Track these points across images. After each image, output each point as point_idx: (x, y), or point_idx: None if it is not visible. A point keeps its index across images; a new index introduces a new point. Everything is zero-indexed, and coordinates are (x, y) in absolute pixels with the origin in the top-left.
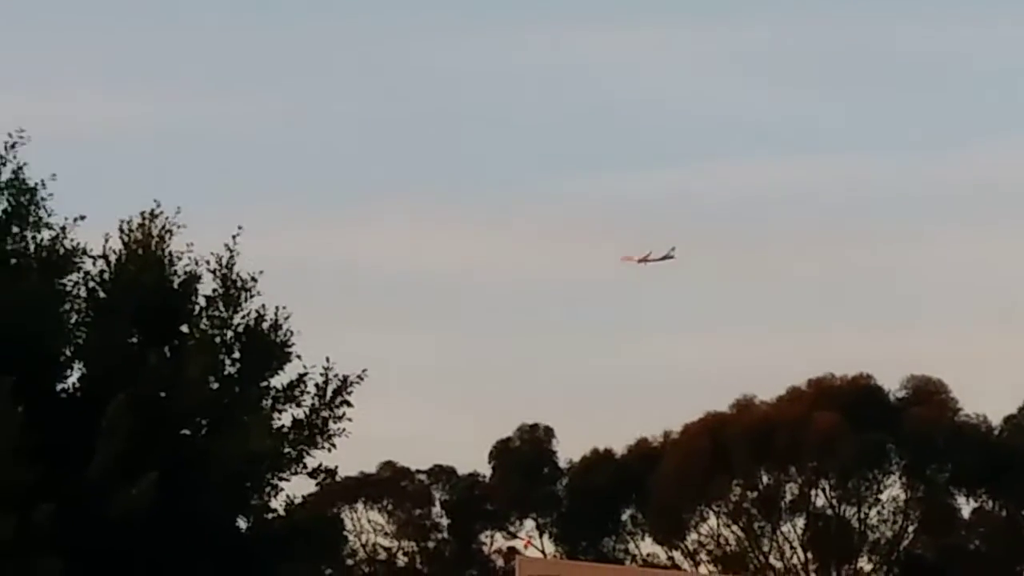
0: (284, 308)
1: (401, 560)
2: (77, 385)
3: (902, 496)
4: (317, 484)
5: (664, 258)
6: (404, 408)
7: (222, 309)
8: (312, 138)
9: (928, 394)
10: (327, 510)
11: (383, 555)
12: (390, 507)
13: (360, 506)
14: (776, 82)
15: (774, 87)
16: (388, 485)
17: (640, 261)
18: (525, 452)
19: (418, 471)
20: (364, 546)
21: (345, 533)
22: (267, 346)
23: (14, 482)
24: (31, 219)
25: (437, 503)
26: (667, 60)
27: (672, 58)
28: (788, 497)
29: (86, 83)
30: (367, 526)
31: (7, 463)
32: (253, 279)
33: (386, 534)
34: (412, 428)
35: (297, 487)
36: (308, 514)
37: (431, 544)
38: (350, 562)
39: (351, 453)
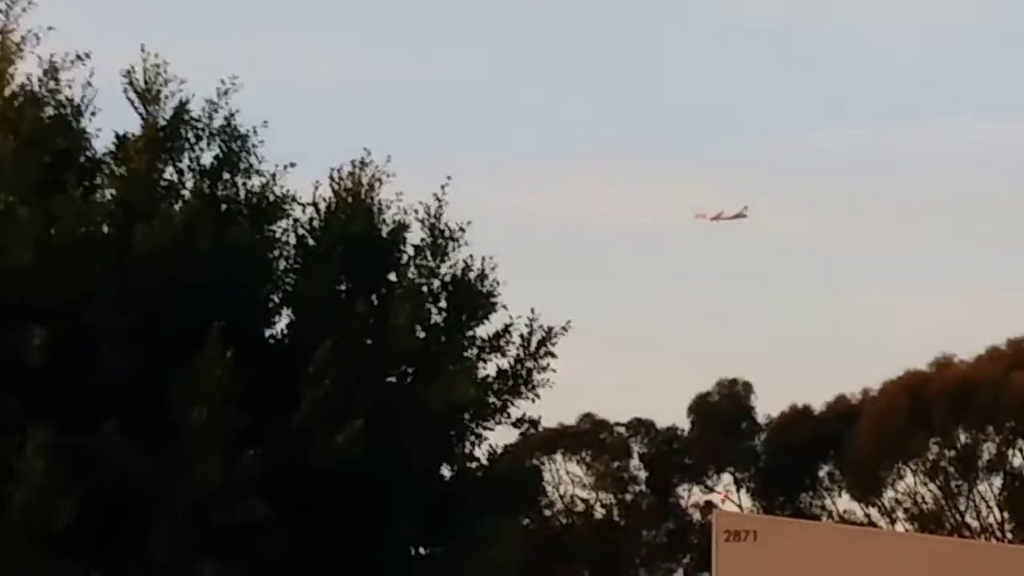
0: (491, 258)
1: (598, 512)
2: (285, 332)
3: None
4: (521, 435)
5: (736, 216)
6: (604, 360)
7: (429, 258)
8: (520, 90)
9: None
10: (527, 461)
11: (580, 507)
12: (588, 459)
13: (559, 457)
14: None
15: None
16: (587, 437)
17: (713, 219)
18: (724, 407)
19: (617, 424)
20: (562, 497)
21: (543, 484)
22: (473, 296)
23: (222, 427)
24: (242, 166)
25: (635, 456)
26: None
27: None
28: (985, 456)
29: (298, 30)
30: (565, 478)
31: (216, 408)
32: (461, 229)
33: (584, 486)
34: (612, 381)
35: (498, 437)
36: (509, 465)
37: (628, 497)
38: (547, 513)
39: (551, 405)
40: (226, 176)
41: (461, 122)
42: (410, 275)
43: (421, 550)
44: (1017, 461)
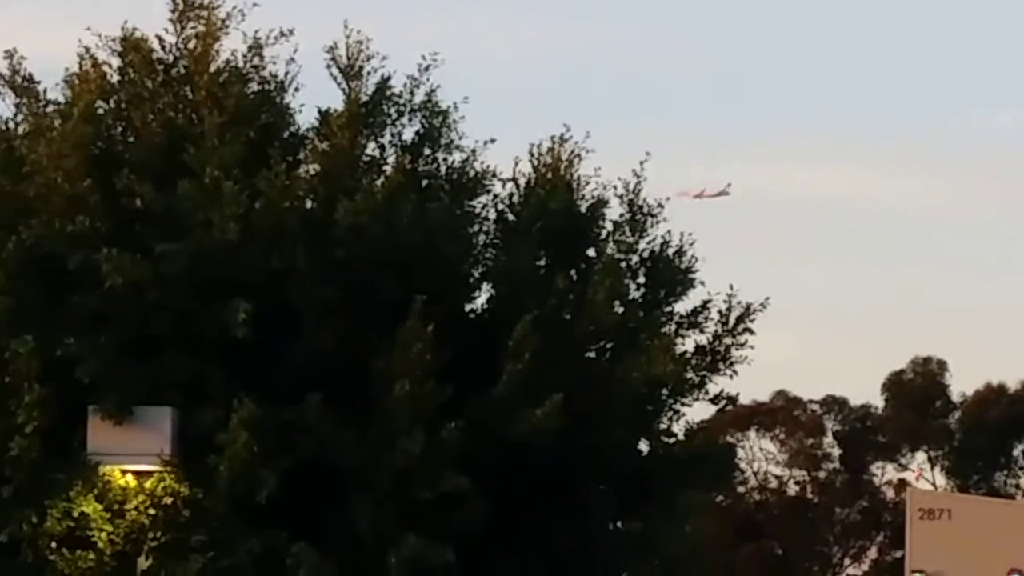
0: (689, 234)
1: (792, 489)
2: (485, 306)
3: None
4: (718, 411)
5: (719, 194)
6: (798, 337)
7: (628, 234)
8: (719, 66)
9: None
10: (721, 437)
11: (774, 483)
12: (782, 436)
13: (752, 434)
14: None
15: None
16: (781, 414)
17: (695, 197)
18: (918, 384)
19: (811, 401)
20: (755, 474)
21: (737, 461)
22: (671, 272)
23: (423, 400)
24: (443, 141)
25: (829, 433)
26: None
27: None
28: None
29: (499, 5)
30: (759, 454)
31: (417, 382)
32: (660, 205)
33: (777, 463)
34: (805, 358)
35: (693, 413)
36: (705, 441)
37: (822, 474)
38: (741, 490)
39: (745, 381)
40: (427, 152)
41: (660, 98)
42: (609, 251)
43: (618, 524)
44: None
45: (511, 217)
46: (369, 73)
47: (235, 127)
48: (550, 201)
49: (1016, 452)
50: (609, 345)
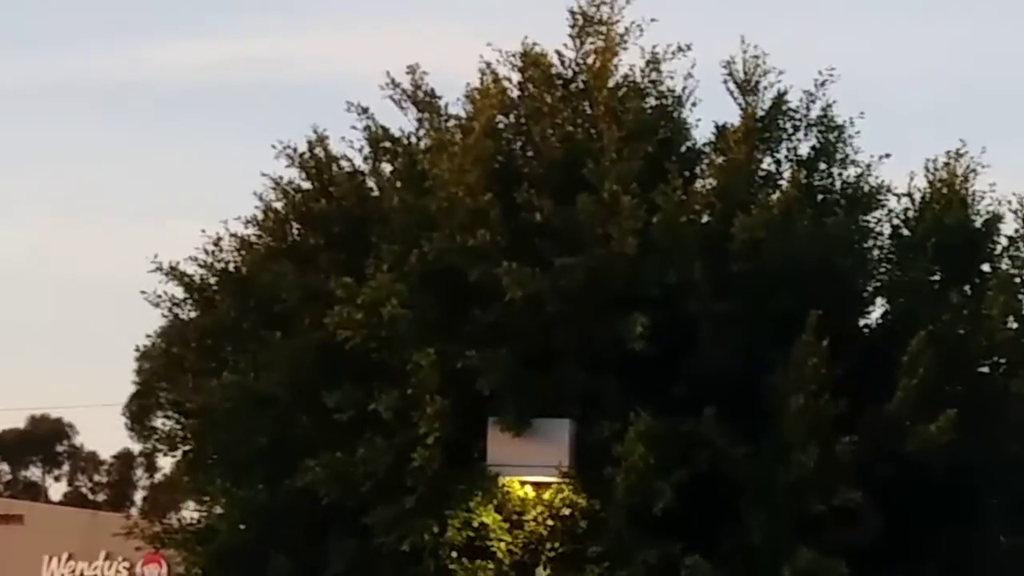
0: None
1: None
2: (879, 321)
3: None
4: None
5: None
6: None
7: (1023, 250)
8: None
9: None
10: None
11: None
12: None
13: None
14: None
15: None
16: None
17: None
18: None
19: None
20: None
21: None
22: None
23: (818, 414)
24: (838, 156)
25: None
26: None
27: None
28: None
29: (898, 18)
30: None
31: (812, 395)
32: None
33: None
34: None
35: None
36: None
37: None
38: None
39: None
40: (822, 166)
41: None
42: (1003, 266)
43: (1011, 540)
44: None
45: (905, 232)
46: (765, 88)
47: (633, 142)
48: (945, 216)
49: None
50: (1003, 361)
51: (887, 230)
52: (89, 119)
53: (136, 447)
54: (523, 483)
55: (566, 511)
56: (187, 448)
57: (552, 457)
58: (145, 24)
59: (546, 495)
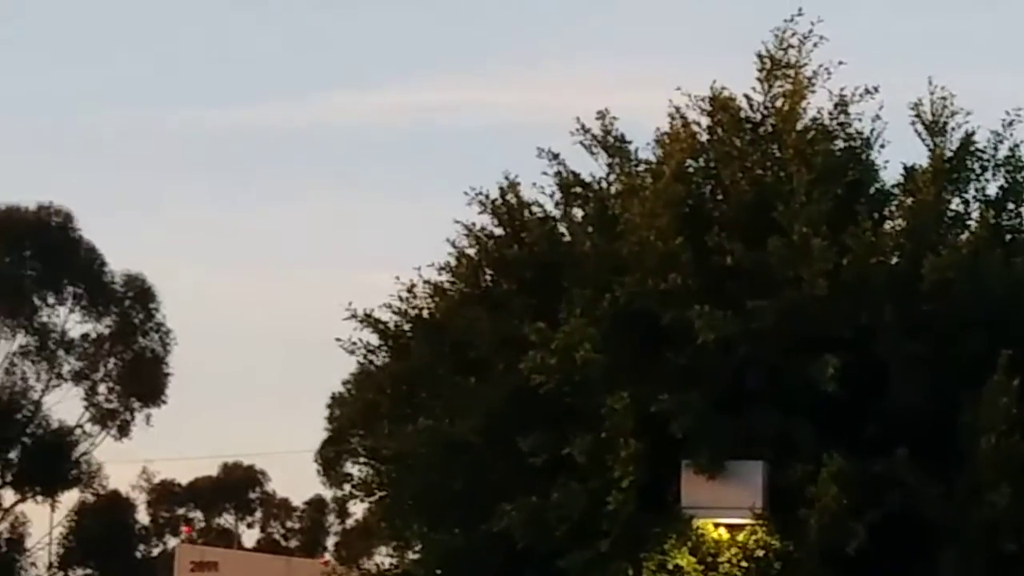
0: None
1: None
2: None
3: None
4: None
5: None
6: None
7: None
8: None
9: None
10: None
11: None
12: None
13: None
14: None
15: None
16: None
17: None
18: None
19: None
20: None
21: None
22: None
23: (1010, 453)
24: None
25: None
26: None
27: None
28: None
29: None
30: None
31: (1003, 435)
32: None
33: None
34: None
35: None
36: None
37: None
38: None
39: None
40: (1010, 206)
41: None
42: None
43: None
44: None
45: None
46: (953, 129)
47: (823, 184)
48: None
49: None
50: None
51: None
52: (281, 168)
53: (328, 493)
54: (717, 525)
55: (760, 552)
56: (382, 494)
57: (745, 499)
58: (339, 74)
59: (740, 537)
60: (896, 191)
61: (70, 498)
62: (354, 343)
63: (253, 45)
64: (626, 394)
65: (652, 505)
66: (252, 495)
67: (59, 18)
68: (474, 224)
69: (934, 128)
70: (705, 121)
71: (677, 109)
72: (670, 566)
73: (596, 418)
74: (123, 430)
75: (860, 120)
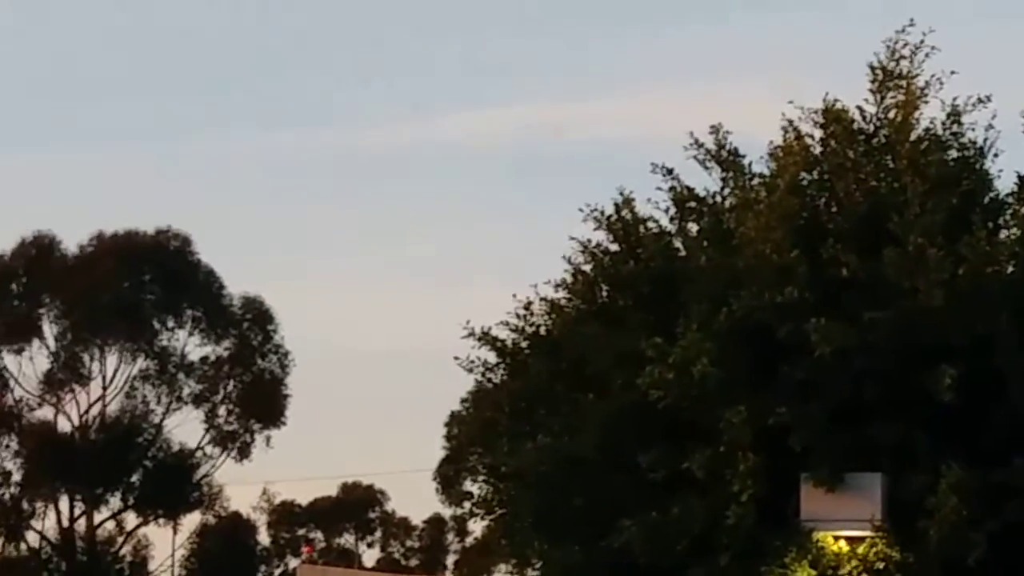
0: None
1: None
2: None
3: None
4: None
5: None
6: None
7: None
8: None
9: None
10: None
11: None
12: None
13: None
14: None
15: None
16: None
17: None
18: None
19: None
20: None
21: None
22: None
23: None
24: None
25: None
26: None
27: None
28: None
29: None
30: None
31: None
32: None
33: None
34: None
35: None
36: None
37: None
38: None
39: None
40: None
41: None
42: None
43: None
44: None
45: None
46: None
47: (937, 194)
48: None
49: None
50: None
51: None
52: (395, 188)
53: (447, 511)
54: (837, 538)
55: (880, 565)
56: (502, 511)
57: (865, 511)
58: (452, 94)
59: (860, 549)
60: (1010, 200)
61: (192, 520)
62: (472, 361)
63: (361, 67)
64: (744, 408)
65: (771, 518)
66: (372, 514)
67: (172, 47)
68: (589, 240)
69: None
70: (818, 133)
71: (790, 122)
72: None
73: (714, 432)
74: (243, 452)
75: (973, 130)
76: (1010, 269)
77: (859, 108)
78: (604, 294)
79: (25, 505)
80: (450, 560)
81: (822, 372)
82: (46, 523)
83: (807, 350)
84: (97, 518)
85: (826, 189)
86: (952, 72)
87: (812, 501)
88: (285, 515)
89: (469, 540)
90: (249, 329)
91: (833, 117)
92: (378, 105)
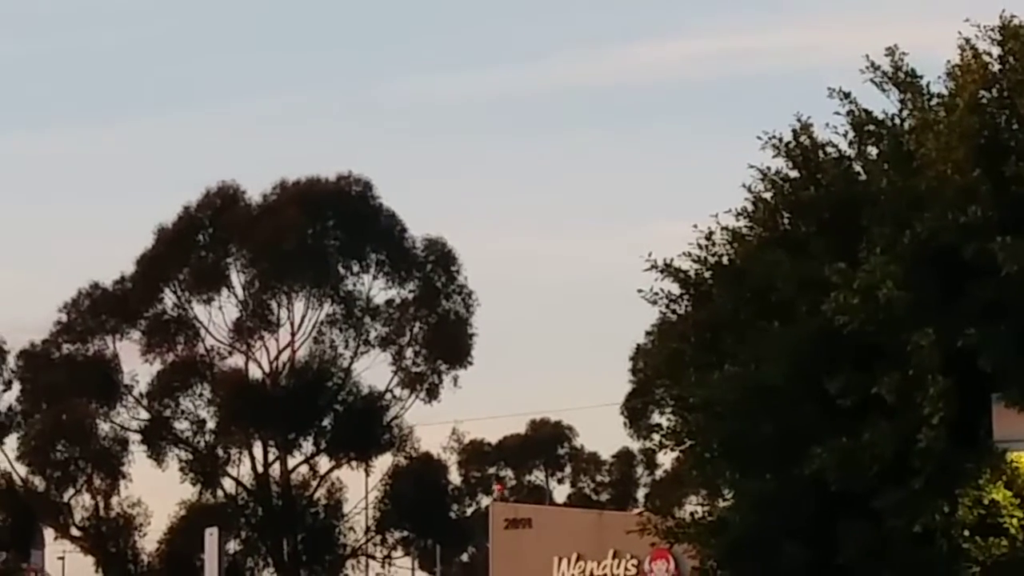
0: None
1: None
2: None
3: None
4: None
5: None
6: None
7: None
8: None
9: None
10: None
11: None
12: None
13: None
14: None
15: None
16: None
17: None
18: None
19: None
20: None
21: None
22: None
23: None
24: None
25: None
26: None
27: None
28: None
29: None
30: None
31: None
32: None
33: None
34: None
35: None
36: None
37: None
38: None
39: None
40: None
41: None
42: None
43: None
44: None
45: None
46: None
47: None
48: None
49: None
50: None
51: None
52: (571, 125)
53: (635, 445)
54: None
55: None
56: (691, 442)
57: None
58: (622, 27)
59: None
60: None
61: (383, 462)
62: (655, 293)
63: (535, 5)
64: (931, 330)
65: (964, 441)
66: (560, 451)
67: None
68: (769, 168)
69: None
70: (996, 51)
71: (967, 40)
72: (986, 501)
73: (902, 356)
74: (432, 393)
75: None
76: None
77: None
78: (785, 221)
79: (220, 452)
80: (640, 494)
81: (1009, 291)
82: (241, 469)
83: (993, 269)
84: (291, 463)
85: (1006, 107)
86: None
87: (1004, 421)
88: (475, 454)
89: (659, 473)
90: (432, 271)
91: (1011, 34)
92: (561, 37)
